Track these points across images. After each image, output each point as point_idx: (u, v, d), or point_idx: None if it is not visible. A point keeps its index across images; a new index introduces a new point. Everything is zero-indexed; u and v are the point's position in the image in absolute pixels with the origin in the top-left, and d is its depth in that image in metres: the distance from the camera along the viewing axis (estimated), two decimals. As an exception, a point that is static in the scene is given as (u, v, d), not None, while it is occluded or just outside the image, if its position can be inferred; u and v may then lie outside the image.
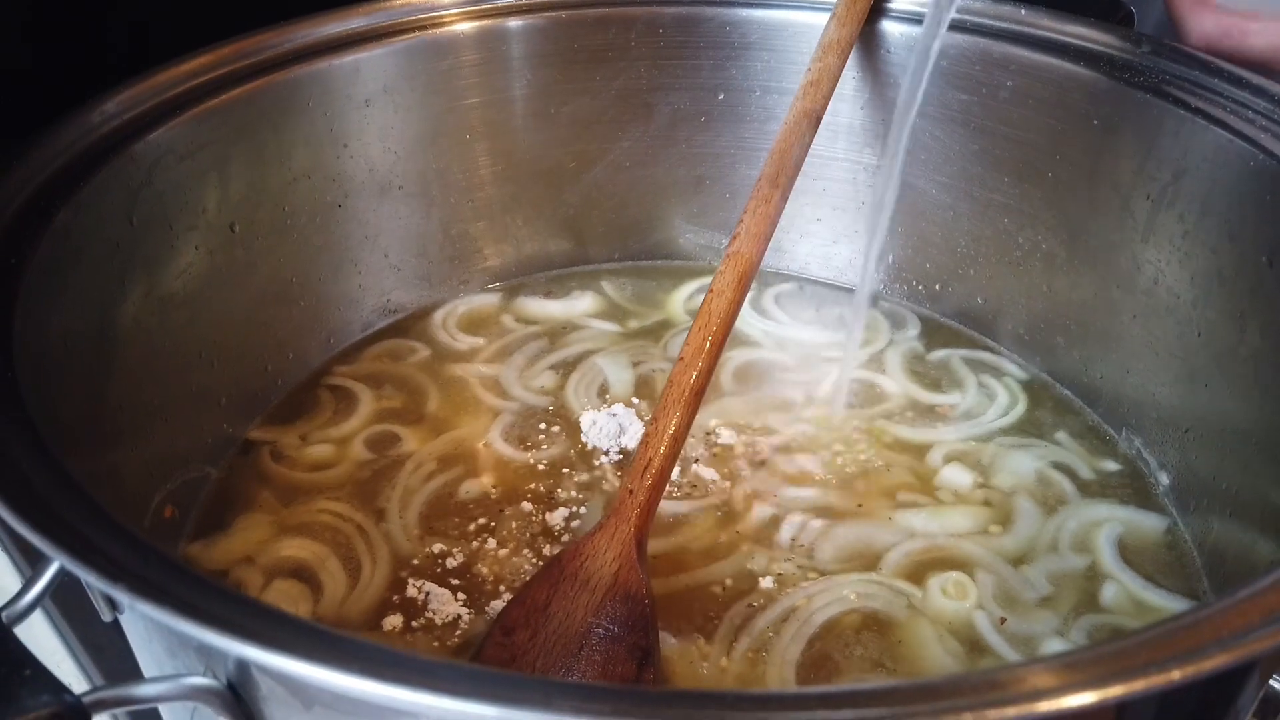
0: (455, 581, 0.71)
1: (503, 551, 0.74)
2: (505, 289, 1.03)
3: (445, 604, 0.69)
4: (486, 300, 1.02)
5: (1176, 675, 0.33)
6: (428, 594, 0.70)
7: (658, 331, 0.98)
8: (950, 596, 0.70)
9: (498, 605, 0.69)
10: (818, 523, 0.76)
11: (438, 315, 0.99)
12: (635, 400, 0.88)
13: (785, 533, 0.75)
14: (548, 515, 0.77)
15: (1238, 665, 0.35)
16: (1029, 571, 0.73)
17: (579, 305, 1.01)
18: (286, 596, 0.71)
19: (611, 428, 0.83)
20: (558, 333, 0.98)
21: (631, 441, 0.82)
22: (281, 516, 0.77)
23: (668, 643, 0.67)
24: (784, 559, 0.73)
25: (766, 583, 0.71)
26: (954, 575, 0.72)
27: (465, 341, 0.96)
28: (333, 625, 0.68)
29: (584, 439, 0.83)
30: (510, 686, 0.34)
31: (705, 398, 0.71)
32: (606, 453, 0.82)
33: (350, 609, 0.70)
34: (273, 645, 0.34)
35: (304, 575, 0.73)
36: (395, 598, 0.70)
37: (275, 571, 0.73)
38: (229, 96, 0.78)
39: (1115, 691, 0.33)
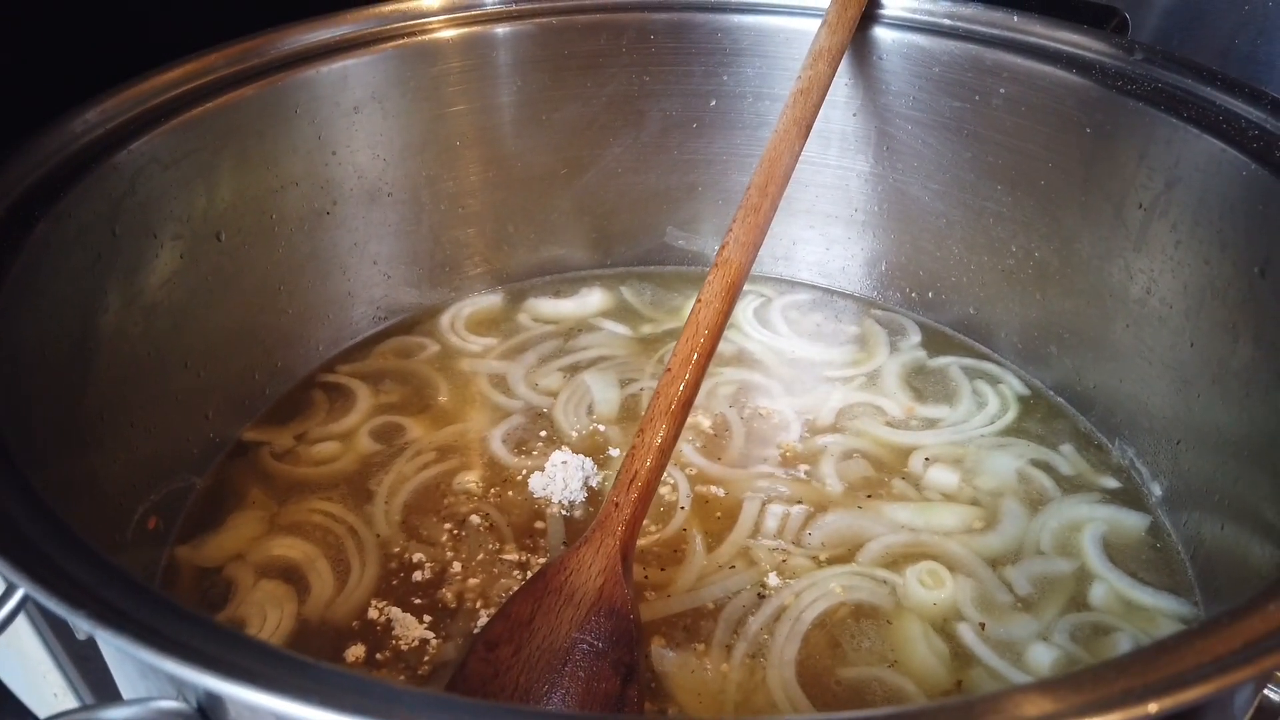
0: (419, 596, 0.71)
1: (481, 558, 0.73)
2: (496, 295, 1.02)
3: (410, 629, 0.68)
4: (488, 303, 1.02)
5: (1153, 708, 0.32)
6: (389, 619, 0.69)
7: (666, 340, 0.97)
8: (927, 586, 0.71)
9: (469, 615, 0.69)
10: (801, 516, 0.77)
11: (444, 319, 0.99)
12: (603, 428, 0.87)
13: (770, 529, 0.76)
14: (532, 523, 0.76)
15: (1221, 695, 0.35)
16: (1012, 573, 0.73)
17: (590, 303, 1.02)
18: (272, 598, 0.71)
19: (573, 479, 0.78)
20: (570, 333, 0.98)
21: (596, 480, 0.80)
22: (274, 514, 0.77)
23: (666, 656, 0.67)
24: (773, 556, 0.73)
25: (762, 581, 0.71)
26: (928, 564, 0.72)
27: (476, 343, 0.96)
28: (318, 626, 0.69)
29: (549, 499, 0.78)
30: (477, 714, 0.34)
31: (693, 408, 0.70)
32: (572, 504, 0.78)
33: (336, 611, 0.70)
34: (237, 676, 0.33)
35: (293, 576, 0.73)
36: (355, 623, 0.69)
37: (265, 570, 0.73)
38: (214, 104, 0.78)
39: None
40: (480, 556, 0.73)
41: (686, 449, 0.83)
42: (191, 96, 0.77)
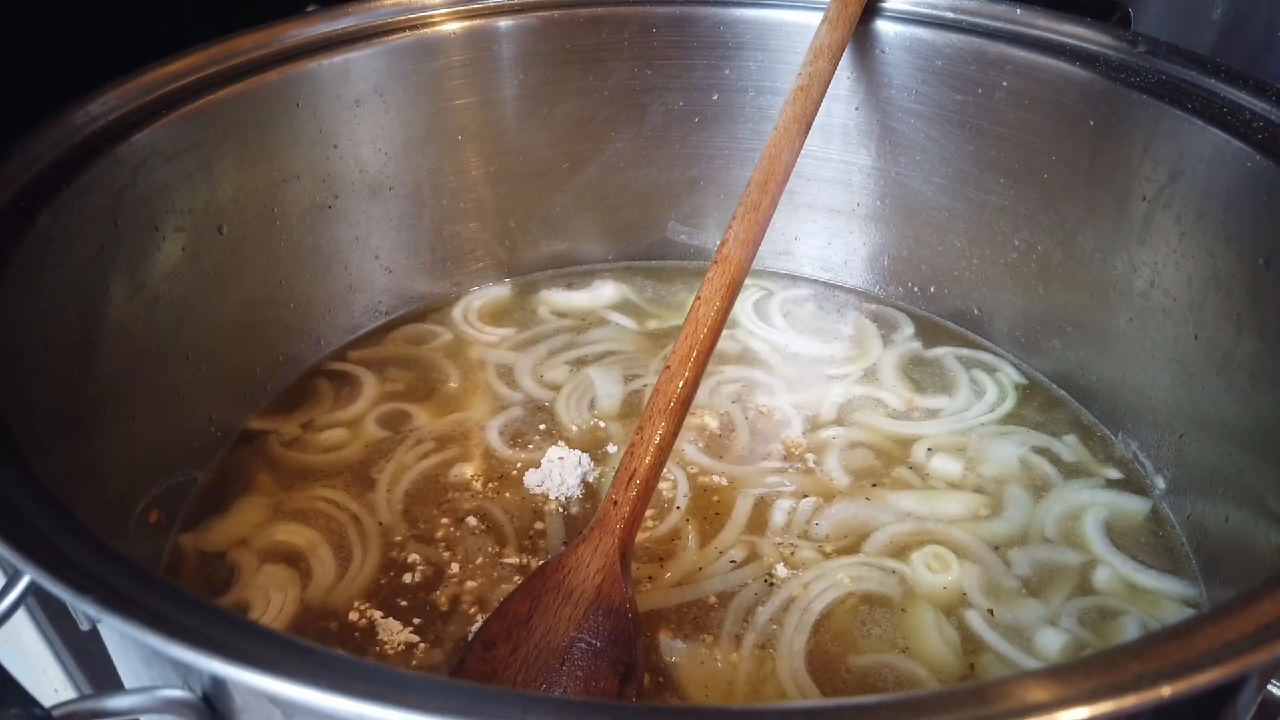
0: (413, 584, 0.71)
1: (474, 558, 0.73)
2: (503, 288, 1.02)
3: (394, 633, 0.67)
4: (496, 294, 1.02)
5: (1167, 691, 0.32)
6: (372, 622, 0.68)
7: (674, 336, 0.96)
8: (933, 570, 0.72)
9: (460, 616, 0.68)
10: (808, 509, 0.77)
11: (456, 310, 0.99)
12: (603, 424, 0.85)
13: (778, 523, 0.76)
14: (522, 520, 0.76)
15: (1233, 679, 0.34)
16: (1017, 558, 0.73)
17: (604, 295, 1.02)
18: (275, 581, 0.71)
19: (570, 474, 0.78)
20: (581, 326, 0.98)
21: (593, 476, 0.79)
22: (279, 501, 0.78)
23: (675, 647, 0.66)
24: (780, 549, 0.73)
25: (769, 572, 0.71)
26: (933, 548, 0.73)
27: (491, 333, 0.96)
28: (319, 611, 0.69)
29: (546, 494, 0.78)
30: (485, 701, 0.33)
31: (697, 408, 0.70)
32: (569, 500, 0.78)
33: (338, 597, 0.70)
34: (244, 660, 0.33)
35: (295, 561, 0.73)
36: (333, 624, 0.68)
37: (268, 555, 0.73)
38: (216, 97, 0.77)
39: (1106, 707, 0.33)
40: (479, 560, 0.73)
41: (690, 449, 0.82)
42: (193, 89, 0.76)
